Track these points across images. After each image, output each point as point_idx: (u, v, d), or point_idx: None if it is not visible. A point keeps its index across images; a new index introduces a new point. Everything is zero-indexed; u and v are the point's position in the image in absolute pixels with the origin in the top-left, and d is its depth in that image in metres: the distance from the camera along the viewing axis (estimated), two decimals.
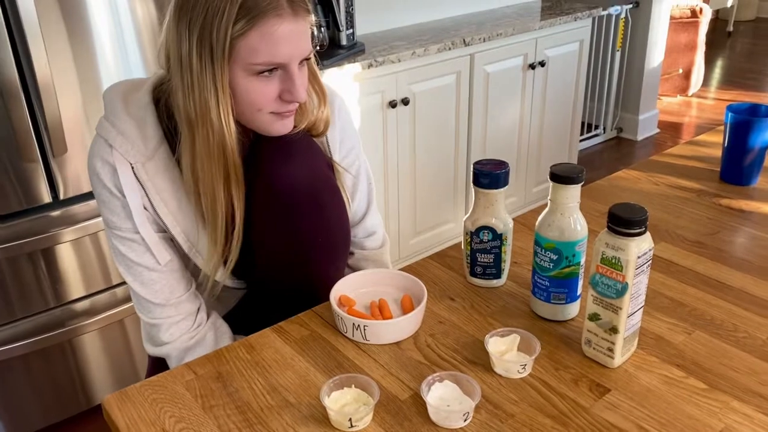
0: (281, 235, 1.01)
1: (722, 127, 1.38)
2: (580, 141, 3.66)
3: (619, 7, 3.47)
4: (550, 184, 0.91)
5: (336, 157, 1.09)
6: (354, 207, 1.15)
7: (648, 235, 0.81)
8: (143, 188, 0.94)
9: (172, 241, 1.00)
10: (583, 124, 3.74)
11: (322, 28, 2.23)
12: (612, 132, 3.95)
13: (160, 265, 0.97)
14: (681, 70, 4.48)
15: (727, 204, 1.28)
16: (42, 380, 1.80)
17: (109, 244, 1.00)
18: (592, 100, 3.83)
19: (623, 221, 0.80)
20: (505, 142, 2.78)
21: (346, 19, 2.26)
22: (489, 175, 0.97)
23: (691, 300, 1.00)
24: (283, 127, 0.94)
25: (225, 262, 1.01)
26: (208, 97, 0.86)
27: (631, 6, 3.57)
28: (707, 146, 1.55)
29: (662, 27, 3.70)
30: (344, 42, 2.26)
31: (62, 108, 1.58)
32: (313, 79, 0.99)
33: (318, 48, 2.23)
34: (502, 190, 0.98)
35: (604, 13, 3.42)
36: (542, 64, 2.75)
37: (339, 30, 2.24)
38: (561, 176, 0.89)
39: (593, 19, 3.02)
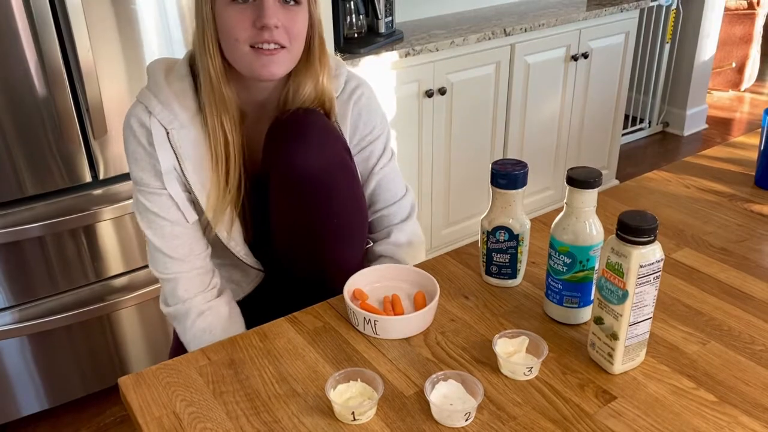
0: (296, 219, 1.04)
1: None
2: (623, 135, 3.59)
3: None
4: (567, 187, 0.90)
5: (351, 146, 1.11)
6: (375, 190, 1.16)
7: (658, 245, 0.80)
8: (175, 152, 1.00)
9: (194, 204, 1.05)
10: (627, 117, 3.66)
11: (361, 15, 2.23)
12: (657, 126, 3.85)
13: (188, 222, 1.03)
14: (734, 64, 4.33)
15: (759, 210, 1.24)
16: (82, 351, 1.89)
17: (132, 200, 1.05)
18: (638, 93, 3.73)
19: (629, 229, 0.79)
20: (544, 133, 2.74)
21: (386, 6, 2.26)
22: (507, 175, 0.97)
23: (710, 309, 0.98)
24: (265, 68, 0.96)
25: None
26: (202, 30, 0.96)
27: None
28: (745, 149, 1.50)
29: (716, 18, 3.58)
30: (383, 30, 2.26)
31: (103, 92, 1.63)
32: (320, 46, 1.03)
33: (356, 35, 2.24)
34: (519, 190, 0.98)
35: (654, 3, 3.32)
36: (585, 56, 2.69)
37: (378, 18, 2.24)
38: (577, 180, 0.88)
39: (641, 10, 2.94)
